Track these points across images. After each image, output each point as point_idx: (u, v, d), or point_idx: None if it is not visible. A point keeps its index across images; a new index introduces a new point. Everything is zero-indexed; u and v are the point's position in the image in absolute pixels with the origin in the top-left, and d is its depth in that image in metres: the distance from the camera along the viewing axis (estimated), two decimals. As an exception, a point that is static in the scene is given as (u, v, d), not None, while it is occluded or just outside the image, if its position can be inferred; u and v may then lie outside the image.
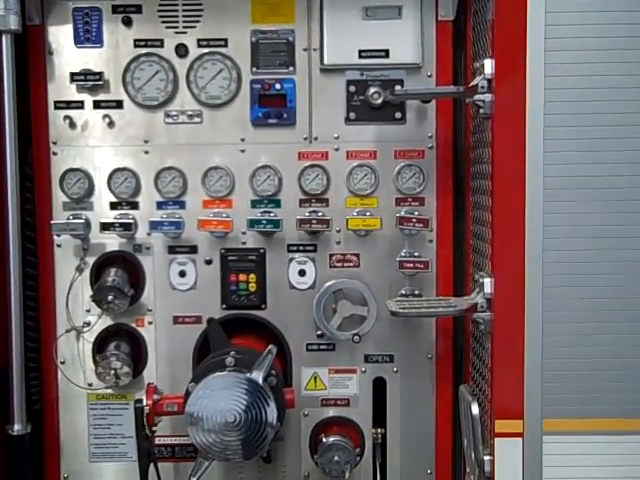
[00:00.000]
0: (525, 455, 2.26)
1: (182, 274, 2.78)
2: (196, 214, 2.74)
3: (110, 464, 2.84)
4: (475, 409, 2.41)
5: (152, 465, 2.59)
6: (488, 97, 2.26)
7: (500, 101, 2.23)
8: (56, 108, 2.75)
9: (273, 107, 2.74)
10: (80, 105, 2.75)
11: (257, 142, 2.75)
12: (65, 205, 2.77)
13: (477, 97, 2.28)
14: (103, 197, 2.77)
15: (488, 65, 2.25)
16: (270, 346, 2.54)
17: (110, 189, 2.76)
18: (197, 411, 2.49)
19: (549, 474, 2.27)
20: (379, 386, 2.80)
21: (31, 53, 2.74)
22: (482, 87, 2.27)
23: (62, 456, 2.83)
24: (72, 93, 2.74)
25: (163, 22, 2.72)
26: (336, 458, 2.69)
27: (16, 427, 2.63)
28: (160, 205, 2.77)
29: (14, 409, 2.62)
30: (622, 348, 2.21)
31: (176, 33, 2.72)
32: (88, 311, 2.78)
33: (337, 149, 2.75)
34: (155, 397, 2.57)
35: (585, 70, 2.18)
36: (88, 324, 2.79)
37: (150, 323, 2.79)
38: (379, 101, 2.71)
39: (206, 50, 2.72)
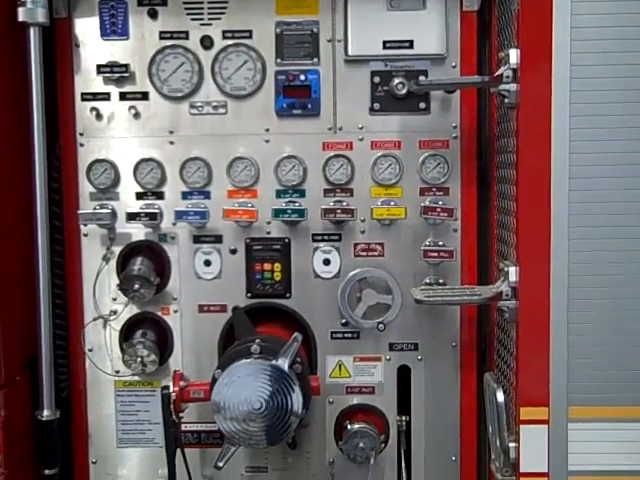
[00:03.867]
0: (550, 442, 2.28)
1: (207, 263, 2.81)
2: (221, 204, 2.76)
3: (137, 449, 2.88)
4: (500, 396, 2.43)
5: (179, 450, 2.63)
6: (513, 87, 2.28)
7: (525, 91, 2.25)
8: (83, 100, 2.78)
9: (297, 98, 2.75)
10: (106, 97, 2.78)
11: (282, 132, 2.77)
12: (92, 195, 2.80)
13: (502, 87, 2.30)
14: (129, 187, 2.80)
15: (513, 55, 2.27)
16: (295, 333, 2.56)
17: (136, 179, 2.79)
18: (223, 399, 2.51)
19: (574, 461, 2.28)
20: (404, 374, 2.82)
21: (58, 46, 2.77)
22: (507, 77, 2.29)
23: (90, 441, 2.87)
24: (98, 85, 2.78)
25: (188, 14, 2.74)
26: (361, 444, 2.71)
27: (45, 412, 2.68)
28: (185, 195, 2.80)
29: (43, 395, 2.67)
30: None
31: (201, 25, 2.74)
32: (114, 300, 2.82)
33: (361, 139, 2.76)
34: (182, 384, 2.60)
35: (612, 59, 2.17)
36: (115, 312, 2.82)
37: (175, 312, 2.83)
38: (403, 91, 2.72)
39: (231, 42, 2.74)
